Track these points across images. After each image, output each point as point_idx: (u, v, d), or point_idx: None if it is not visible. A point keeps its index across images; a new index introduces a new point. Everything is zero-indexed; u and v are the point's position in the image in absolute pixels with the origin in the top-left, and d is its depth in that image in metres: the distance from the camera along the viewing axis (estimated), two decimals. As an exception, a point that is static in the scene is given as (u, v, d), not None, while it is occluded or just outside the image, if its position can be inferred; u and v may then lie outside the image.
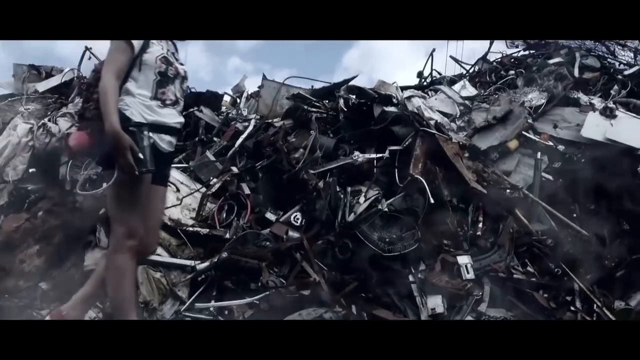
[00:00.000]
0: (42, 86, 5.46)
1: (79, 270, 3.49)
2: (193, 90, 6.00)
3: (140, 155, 2.15)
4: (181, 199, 3.91)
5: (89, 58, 5.79)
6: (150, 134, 2.27)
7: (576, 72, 5.13)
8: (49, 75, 5.72)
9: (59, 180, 4.26)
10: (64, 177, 4.23)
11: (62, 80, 5.45)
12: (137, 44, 2.26)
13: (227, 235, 3.60)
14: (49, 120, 4.48)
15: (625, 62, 5.97)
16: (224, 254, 3.32)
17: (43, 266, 3.62)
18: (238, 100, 5.99)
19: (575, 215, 3.77)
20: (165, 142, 2.37)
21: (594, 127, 4.10)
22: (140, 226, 2.37)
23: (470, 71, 6.40)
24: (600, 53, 6.02)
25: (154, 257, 3.38)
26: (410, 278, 3.31)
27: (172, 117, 2.40)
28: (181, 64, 2.49)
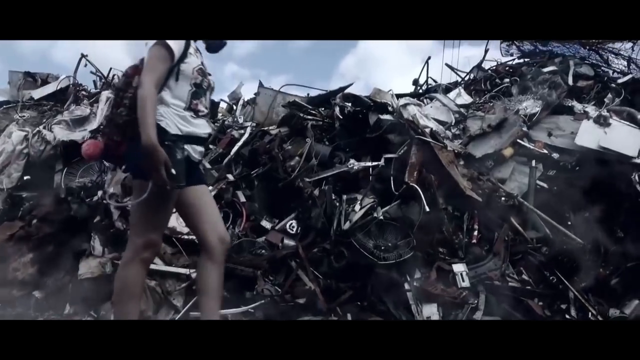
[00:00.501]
0: (38, 93, 5.45)
1: (73, 278, 3.47)
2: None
3: (174, 171, 2.11)
4: (176, 206, 3.90)
5: (85, 65, 5.81)
6: (185, 147, 2.25)
7: (570, 80, 5.15)
8: (45, 82, 5.71)
9: (53, 188, 4.25)
10: (58, 185, 4.22)
11: (58, 88, 5.44)
12: (177, 53, 2.21)
13: (223, 244, 3.58)
14: (44, 128, 4.47)
15: (618, 70, 6.00)
16: (219, 263, 3.30)
17: (37, 275, 3.60)
18: (234, 107, 6.00)
19: (570, 223, 3.78)
20: (197, 152, 2.36)
21: (588, 135, 4.12)
22: (159, 239, 2.36)
23: (466, 79, 6.43)
24: (594, 61, 6.06)
25: (148, 266, 3.37)
26: (406, 286, 3.30)
27: (204, 127, 2.38)
28: (209, 75, 2.47)
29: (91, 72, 5.97)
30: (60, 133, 4.44)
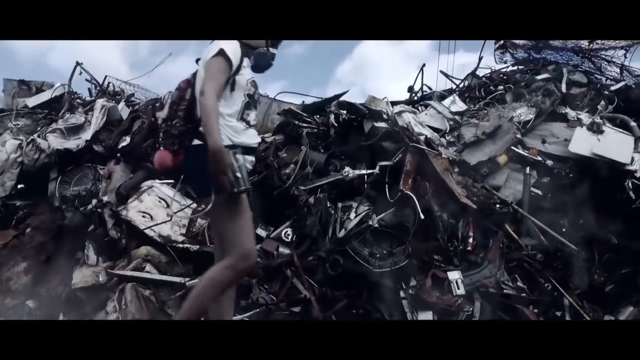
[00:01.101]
0: (32, 101, 5.44)
1: (67, 288, 3.45)
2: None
3: (238, 174, 2.16)
4: (171, 215, 3.89)
5: (80, 73, 5.82)
6: (237, 156, 2.27)
7: (564, 88, 5.18)
8: (40, 90, 5.71)
9: (47, 196, 4.23)
10: (52, 193, 4.20)
11: (53, 96, 5.43)
12: (235, 64, 2.26)
13: (218, 252, 3.58)
14: (39, 136, 4.46)
15: (611, 77, 6.04)
16: (214, 271, 3.29)
17: (30, 284, 3.58)
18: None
19: (564, 229, 3.79)
20: (248, 162, 2.37)
21: (582, 142, 4.14)
22: (253, 247, 2.37)
23: (460, 86, 6.46)
24: (587, 69, 6.10)
25: (143, 274, 3.37)
26: (401, 294, 3.30)
27: (254, 137, 2.41)
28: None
29: (86, 80, 5.99)
30: (54, 141, 4.43)
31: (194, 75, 2.38)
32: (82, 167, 4.38)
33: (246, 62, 2.39)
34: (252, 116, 2.39)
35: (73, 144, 4.42)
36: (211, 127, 2.11)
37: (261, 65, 2.50)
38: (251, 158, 2.41)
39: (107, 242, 3.66)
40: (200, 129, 2.20)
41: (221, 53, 2.22)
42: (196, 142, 2.25)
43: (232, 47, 2.25)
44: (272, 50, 2.48)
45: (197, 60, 2.43)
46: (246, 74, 2.36)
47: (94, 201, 3.89)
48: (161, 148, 2.30)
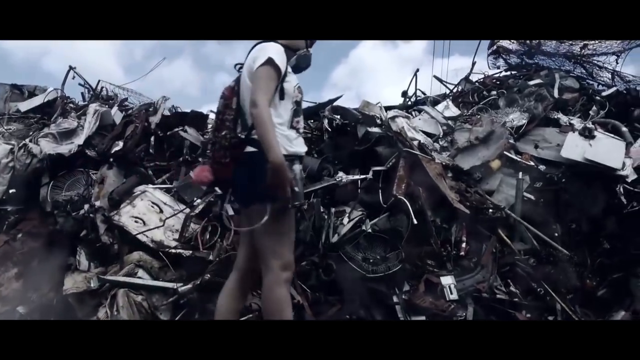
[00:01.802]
0: (25, 105, 5.39)
1: (58, 294, 3.42)
2: (178, 109, 6.02)
3: (296, 188, 2.13)
4: (164, 220, 3.87)
5: (73, 77, 5.79)
6: (299, 167, 2.28)
7: (556, 93, 5.22)
8: (32, 94, 5.66)
9: (39, 202, 4.20)
10: (44, 198, 4.17)
11: (45, 100, 5.39)
12: (282, 72, 2.22)
13: (211, 257, 3.56)
14: (31, 141, 4.42)
15: (603, 83, 6.09)
16: (207, 276, 3.28)
17: (21, 289, 3.54)
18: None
19: (557, 234, 3.81)
20: (299, 171, 2.34)
21: (574, 147, 4.17)
22: (292, 258, 2.35)
23: (454, 91, 6.49)
24: (579, 74, 6.15)
25: (135, 280, 3.34)
26: (395, 299, 3.30)
27: (302, 145, 2.37)
28: None
29: (80, 84, 5.96)
30: (46, 146, 4.39)
31: (237, 81, 2.34)
32: (75, 172, 4.34)
33: (290, 67, 2.35)
34: (301, 123, 2.36)
35: (65, 148, 4.39)
36: (270, 141, 2.06)
37: (302, 67, 2.47)
38: (301, 167, 2.37)
39: (99, 247, 3.63)
40: (254, 136, 2.17)
41: (270, 62, 2.17)
42: (249, 149, 2.22)
43: (279, 55, 2.22)
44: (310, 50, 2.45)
45: (238, 67, 2.39)
46: (292, 81, 2.31)
47: (86, 206, 3.85)
48: (202, 161, 2.28)
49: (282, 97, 2.25)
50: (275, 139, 2.09)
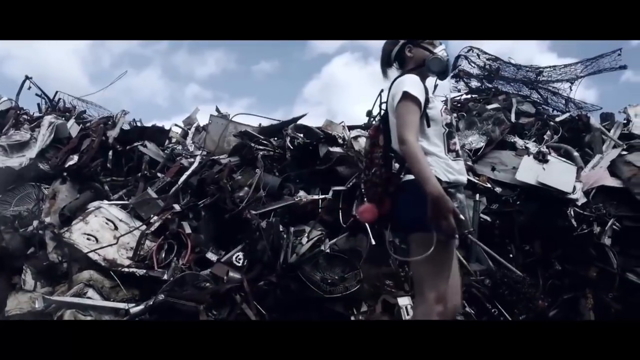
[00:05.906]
0: (-24, 116, 5.19)
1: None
2: (138, 123, 5.90)
3: (462, 217, 2.06)
4: (118, 237, 3.76)
5: (29, 88, 5.61)
6: (462, 195, 2.23)
7: (513, 117, 5.40)
8: (-16, 104, 5.45)
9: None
10: (-9, 213, 3.98)
11: (-2, 110, 5.20)
12: (422, 100, 2.19)
13: (165, 277, 3.47)
14: (-21, 153, 4.24)
15: (557, 108, 6.34)
16: (160, 297, 3.19)
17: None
18: (189, 132, 5.93)
19: (511, 255, 3.89)
20: (463, 199, 2.28)
21: (528, 170, 4.29)
22: (447, 291, 2.23)
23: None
24: (535, 99, 6.38)
25: (84, 300, 3.22)
26: (352, 319, 3.28)
27: (463, 172, 2.30)
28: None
29: (36, 95, 5.78)
30: (-4, 158, 4.23)
31: (382, 121, 2.36)
32: (25, 186, 4.19)
33: (430, 91, 2.31)
34: (457, 145, 2.32)
35: (16, 161, 4.23)
36: (425, 175, 2.03)
37: (439, 71, 2.39)
38: (464, 194, 2.32)
39: (47, 265, 3.48)
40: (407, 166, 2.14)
41: (407, 96, 2.16)
42: (407, 177, 2.17)
43: (414, 86, 2.20)
44: (436, 52, 2.37)
45: (383, 104, 2.39)
46: (437, 105, 2.28)
47: (35, 222, 3.71)
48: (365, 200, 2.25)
49: (429, 125, 2.23)
50: (429, 171, 2.06)
